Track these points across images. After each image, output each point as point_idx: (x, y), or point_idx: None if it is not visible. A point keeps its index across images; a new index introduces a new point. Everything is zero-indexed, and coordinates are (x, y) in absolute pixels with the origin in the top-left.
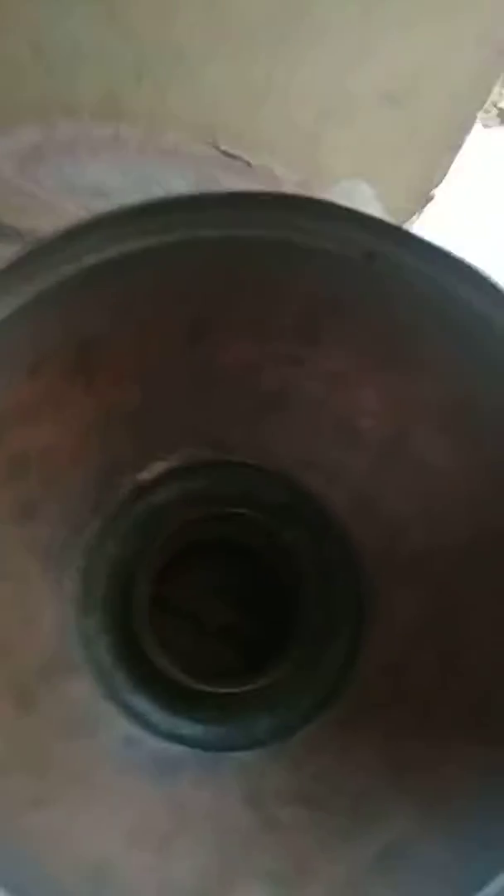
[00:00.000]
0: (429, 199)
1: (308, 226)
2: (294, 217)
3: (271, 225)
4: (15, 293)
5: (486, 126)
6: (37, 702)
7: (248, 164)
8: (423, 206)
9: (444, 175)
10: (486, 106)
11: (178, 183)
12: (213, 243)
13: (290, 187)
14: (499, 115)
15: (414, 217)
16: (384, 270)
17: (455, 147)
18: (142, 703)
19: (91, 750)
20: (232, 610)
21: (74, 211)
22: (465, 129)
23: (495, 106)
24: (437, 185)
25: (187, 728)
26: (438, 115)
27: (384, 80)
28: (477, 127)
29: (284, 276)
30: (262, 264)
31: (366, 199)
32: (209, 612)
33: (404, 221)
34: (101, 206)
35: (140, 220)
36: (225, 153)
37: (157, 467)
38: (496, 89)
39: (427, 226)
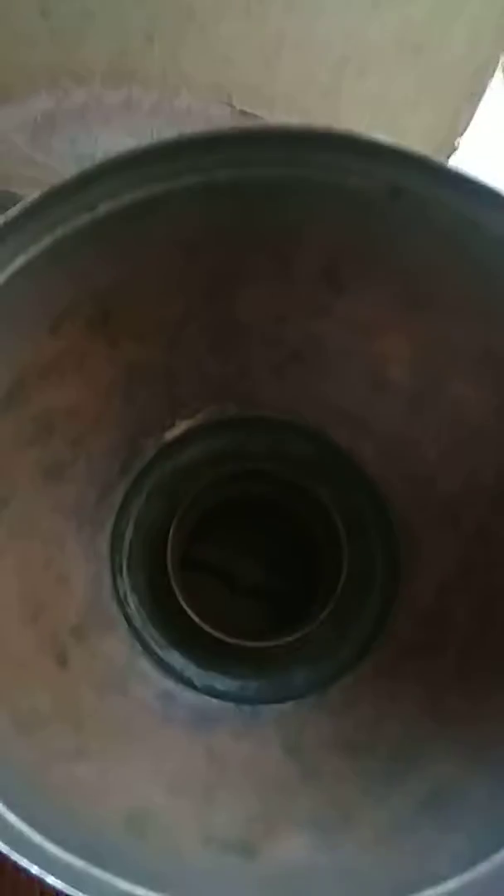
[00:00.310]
0: (453, 149)
1: (328, 161)
2: (312, 153)
3: (289, 163)
4: (29, 242)
5: None
6: (74, 658)
7: (265, 121)
8: (448, 156)
9: (468, 123)
10: None
11: None
12: (228, 184)
13: None
14: None
15: None
16: (411, 207)
17: (478, 94)
18: (177, 660)
19: (128, 704)
20: (264, 568)
21: None
22: (488, 74)
23: None
24: (461, 134)
25: (224, 683)
26: (460, 62)
27: (403, 28)
28: (498, 74)
29: (304, 217)
30: (280, 205)
31: None
32: (241, 571)
33: None
34: None
35: (151, 163)
36: (241, 112)
37: (183, 425)
38: None
39: None
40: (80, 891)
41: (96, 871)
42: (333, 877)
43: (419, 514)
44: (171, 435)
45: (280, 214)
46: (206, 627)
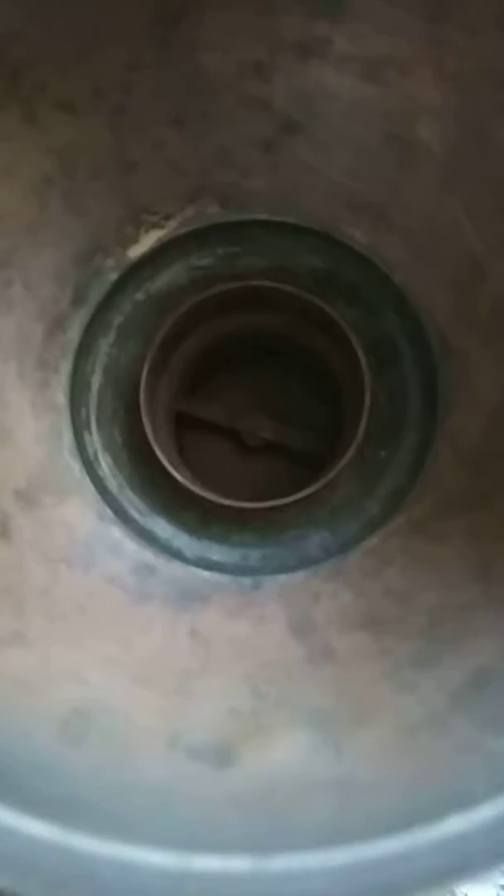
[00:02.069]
0: None
1: None
2: None
3: None
4: None
5: None
6: (19, 528)
7: None
8: None
9: None
10: None
11: None
12: None
13: None
14: None
15: None
16: None
17: None
18: (162, 528)
19: (90, 581)
20: (277, 422)
21: None
22: None
23: None
24: None
25: (221, 553)
26: None
27: None
28: None
29: None
30: None
31: None
32: (251, 427)
33: None
34: None
35: None
36: None
37: (151, 237)
38: None
39: None
40: None
41: None
42: (328, 793)
43: (463, 328)
44: (136, 252)
45: None
46: (197, 490)
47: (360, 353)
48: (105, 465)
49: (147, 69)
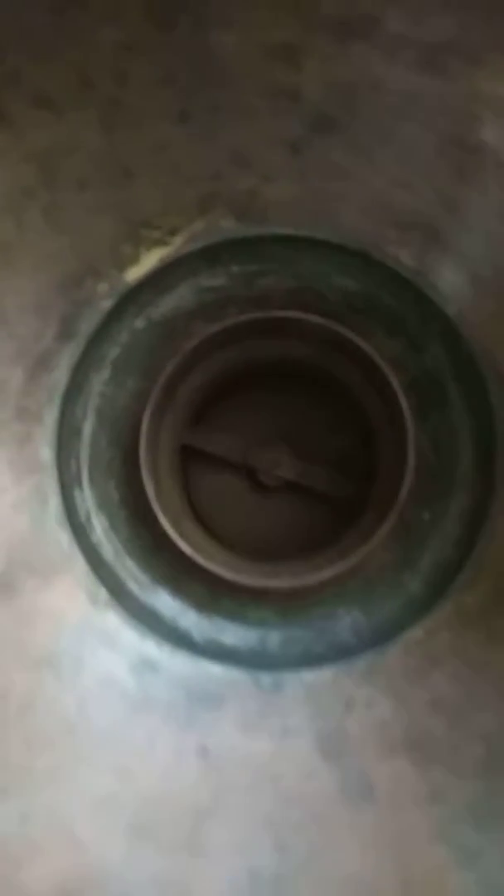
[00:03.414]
0: None
1: None
2: None
3: None
4: None
5: None
6: None
7: None
8: None
9: None
10: None
11: None
12: None
13: None
14: None
15: None
16: None
17: None
18: (165, 603)
19: (79, 686)
20: (298, 459)
21: None
22: None
23: None
24: None
25: (235, 634)
26: None
27: None
28: None
29: None
30: None
31: None
32: (268, 464)
33: None
34: None
35: None
36: None
37: (153, 256)
38: None
39: None
40: None
41: None
42: None
43: None
44: (135, 274)
45: None
46: (202, 561)
47: (404, 402)
48: (99, 528)
49: (146, 53)
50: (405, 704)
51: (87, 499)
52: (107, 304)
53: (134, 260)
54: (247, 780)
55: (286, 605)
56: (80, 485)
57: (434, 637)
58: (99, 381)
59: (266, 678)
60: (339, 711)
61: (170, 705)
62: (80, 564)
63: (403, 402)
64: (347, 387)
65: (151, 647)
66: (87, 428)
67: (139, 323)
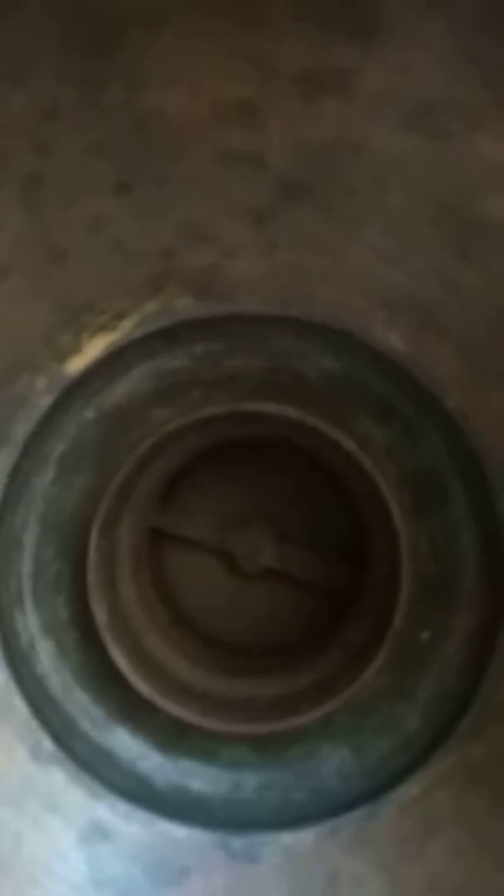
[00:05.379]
0: None
1: None
2: None
3: None
4: None
5: None
6: None
7: None
8: None
9: None
10: None
11: None
12: None
13: None
14: None
15: None
16: None
17: None
18: (122, 743)
19: (16, 873)
20: (280, 542)
21: None
22: None
23: None
24: None
25: (204, 778)
26: None
27: None
28: None
29: None
30: None
31: None
32: (247, 550)
33: None
34: None
35: None
36: None
37: (97, 344)
38: None
39: None
40: None
41: None
42: None
43: None
44: (78, 364)
45: None
46: (163, 703)
47: (395, 506)
48: (45, 656)
49: (69, 118)
50: (398, 882)
51: (30, 623)
52: (46, 400)
53: (75, 349)
54: None
55: (264, 741)
56: (20, 607)
57: (432, 796)
58: (42, 484)
59: (238, 842)
60: (322, 888)
61: (124, 884)
62: (20, 710)
63: (395, 513)
64: (332, 470)
65: (103, 810)
66: (30, 538)
67: (88, 413)
